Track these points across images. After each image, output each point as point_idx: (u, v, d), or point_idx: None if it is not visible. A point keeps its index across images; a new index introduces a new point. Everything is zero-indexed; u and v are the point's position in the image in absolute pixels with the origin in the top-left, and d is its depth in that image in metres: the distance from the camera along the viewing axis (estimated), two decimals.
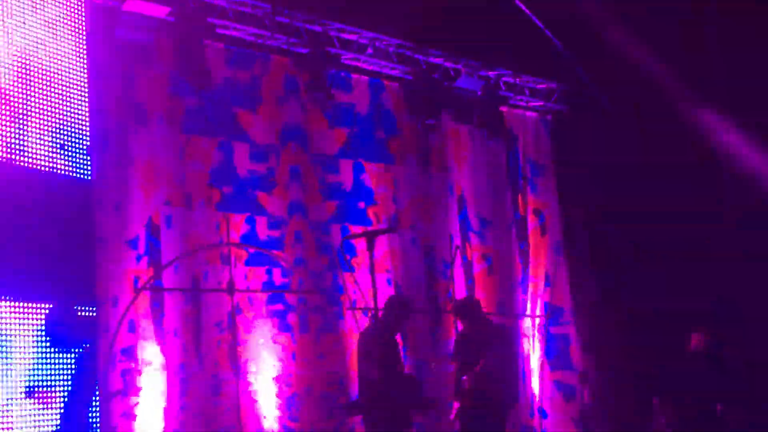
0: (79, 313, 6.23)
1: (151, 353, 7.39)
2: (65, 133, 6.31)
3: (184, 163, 7.95)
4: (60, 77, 6.37)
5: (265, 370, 8.15)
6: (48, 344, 5.97)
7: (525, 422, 9.90)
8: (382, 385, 6.81)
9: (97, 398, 6.51)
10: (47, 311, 5.98)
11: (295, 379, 8.30)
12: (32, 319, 5.89)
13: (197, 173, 8.05)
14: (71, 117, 6.38)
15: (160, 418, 7.33)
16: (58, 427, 5.90)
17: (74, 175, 6.31)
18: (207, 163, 8.14)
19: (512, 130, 10.60)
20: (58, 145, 6.20)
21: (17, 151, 5.97)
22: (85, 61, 6.61)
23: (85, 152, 6.43)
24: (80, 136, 6.43)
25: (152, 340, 7.44)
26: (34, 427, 5.79)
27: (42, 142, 6.11)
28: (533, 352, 10.21)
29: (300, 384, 8.32)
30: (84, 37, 6.64)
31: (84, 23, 6.67)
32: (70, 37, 6.52)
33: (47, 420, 5.84)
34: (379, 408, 6.84)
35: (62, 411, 5.96)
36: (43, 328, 5.95)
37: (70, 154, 6.29)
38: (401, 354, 7.68)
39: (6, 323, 5.75)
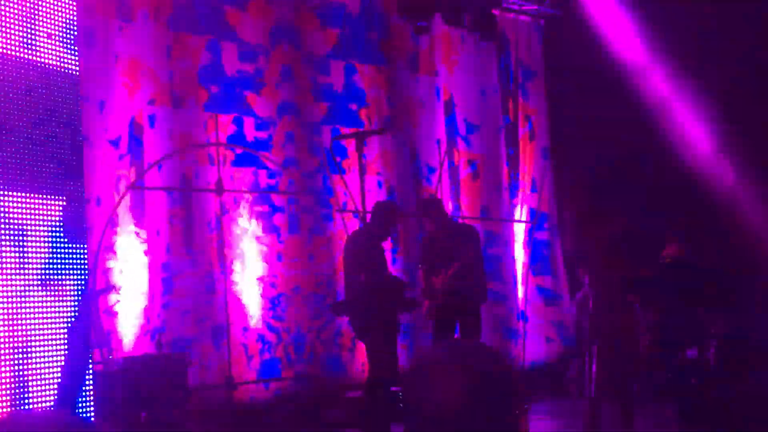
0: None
1: (131, 252, 7.46)
2: (52, 23, 6.21)
3: (171, 61, 7.87)
4: None
5: (249, 270, 8.24)
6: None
7: (511, 325, 10.07)
8: (369, 288, 6.89)
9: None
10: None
11: (281, 279, 8.40)
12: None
13: (185, 72, 7.98)
14: (59, 9, 6.27)
15: (140, 316, 7.44)
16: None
17: (64, 67, 6.27)
18: (195, 62, 8.06)
19: (504, 34, 10.47)
20: (45, 35, 6.12)
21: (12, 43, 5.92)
22: None
23: (72, 44, 6.35)
24: (68, 29, 6.33)
25: (133, 239, 7.49)
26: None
27: (31, 32, 6.05)
28: (519, 257, 10.31)
29: (287, 284, 8.42)
30: None
31: None
32: None
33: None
34: (366, 310, 6.92)
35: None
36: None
37: (58, 45, 6.22)
38: (387, 257, 7.75)
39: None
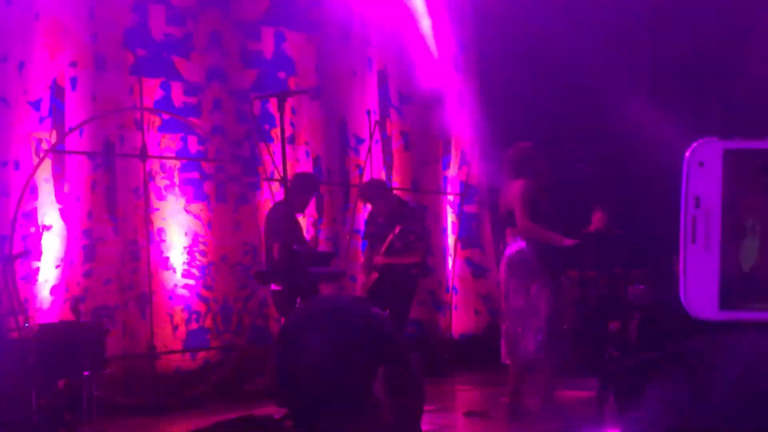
0: None
1: (51, 218, 7.29)
2: None
3: (94, 22, 7.67)
4: None
5: (179, 239, 8.14)
6: None
7: (440, 298, 10.11)
8: (282, 259, 6.86)
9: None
10: None
11: (210, 248, 8.31)
12: None
13: (110, 34, 7.78)
14: None
15: (60, 283, 7.29)
16: None
17: None
18: (120, 24, 7.87)
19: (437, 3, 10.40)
20: None
21: None
22: None
23: None
24: None
25: (53, 204, 7.32)
26: None
27: None
28: (449, 229, 10.33)
29: (215, 253, 8.34)
30: None
31: None
32: None
33: None
34: (283, 282, 6.88)
35: None
36: None
37: None
38: (304, 230, 7.74)
39: None
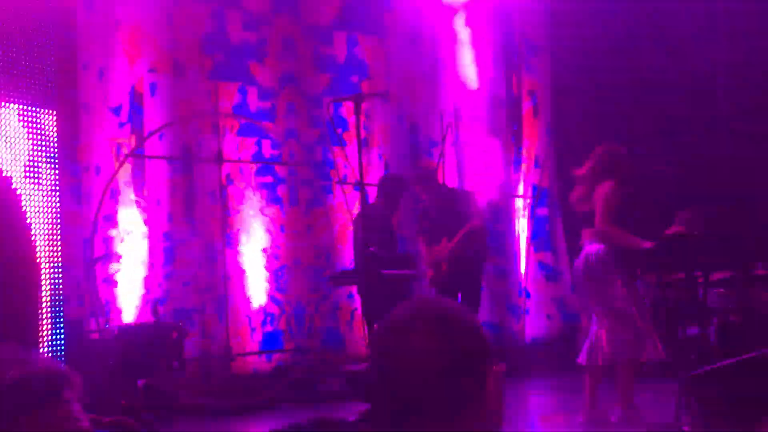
0: None
1: (131, 221, 7.43)
2: None
3: (173, 29, 7.80)
4: None
5: (254, 242, 8.23)
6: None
7: (513, 301, 10.03)
8: (378, 258, 6.87)
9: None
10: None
11: (283, 251, 8.39)
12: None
13: (188, 40, 7.92)
14: None
15: (141, 285, 7.42)
16: None
17: None
18: (198, 30, 8.00)
19: (508, 6, 10.33)
20: None
21: None
22: None
23: None
24: None
25: (133, 208, 7.46)
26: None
27: None
28: (522, 233, 10.24)
29: (288, 256, 8.41)
30: None
31: None
32: None
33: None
34: (376, 279, 6.89)
35: None
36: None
37: None
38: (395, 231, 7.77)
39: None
